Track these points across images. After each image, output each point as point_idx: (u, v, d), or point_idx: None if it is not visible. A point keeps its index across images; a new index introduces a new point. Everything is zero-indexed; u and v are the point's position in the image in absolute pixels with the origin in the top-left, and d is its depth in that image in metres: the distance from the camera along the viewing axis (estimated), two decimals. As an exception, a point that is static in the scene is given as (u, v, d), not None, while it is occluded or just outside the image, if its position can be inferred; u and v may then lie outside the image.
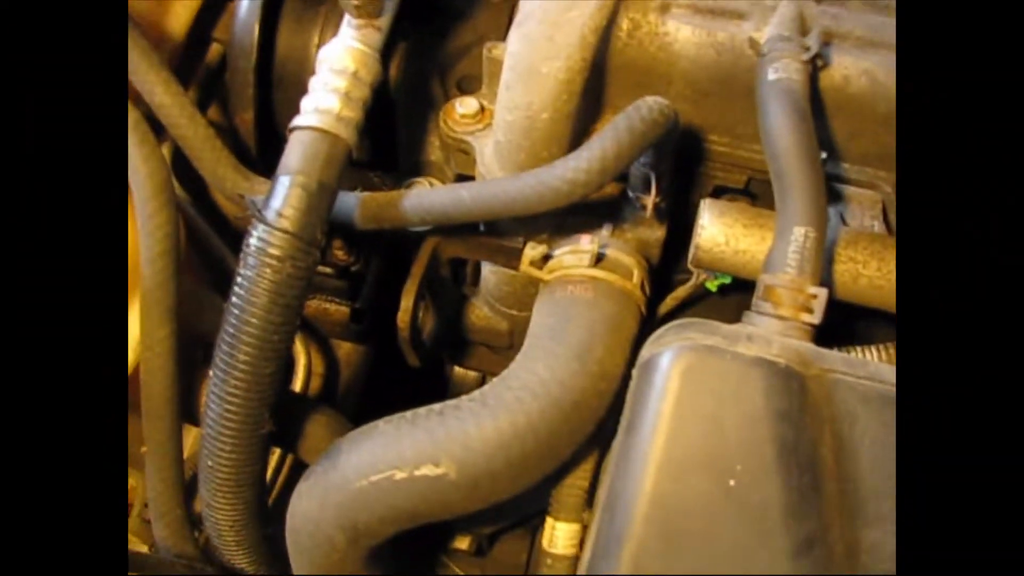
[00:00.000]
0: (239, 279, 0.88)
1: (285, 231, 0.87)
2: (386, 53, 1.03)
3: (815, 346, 0.78)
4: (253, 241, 0.88)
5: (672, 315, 1.05)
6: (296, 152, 0.91)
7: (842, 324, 0.91)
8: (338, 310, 1.32)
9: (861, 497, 0.73)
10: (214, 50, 1.29)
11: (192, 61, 1.27)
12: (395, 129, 1.22)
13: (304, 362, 1.38)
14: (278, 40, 1.18)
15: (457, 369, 1.40)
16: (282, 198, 0.88)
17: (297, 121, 0.92)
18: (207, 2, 1.27)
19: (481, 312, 1.20)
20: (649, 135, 0.86)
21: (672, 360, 0.74)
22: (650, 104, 0.87)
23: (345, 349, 1.46)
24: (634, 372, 0.79)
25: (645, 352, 0.78)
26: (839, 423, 0.74)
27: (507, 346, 1.20)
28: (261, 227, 0.88)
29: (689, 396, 0.73)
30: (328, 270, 1.24)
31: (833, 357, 0.77)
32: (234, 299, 0.88)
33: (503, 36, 1.12)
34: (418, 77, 1.20)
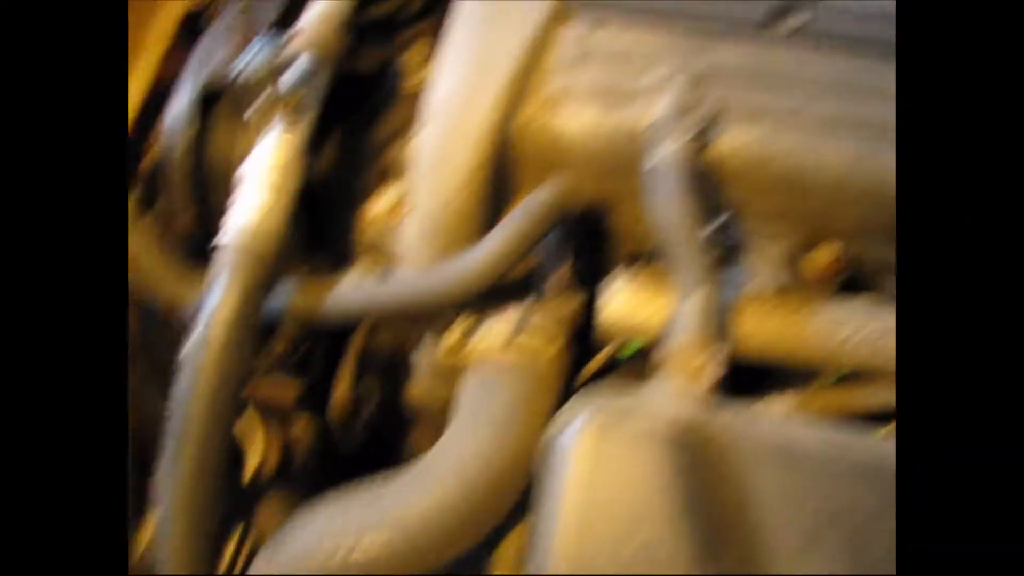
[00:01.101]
0: (179, 387, 0.94)
1: (220, 334, 0.94)
2: (313, 148, 1.11)
3: (710, 406, 0.85)
4: (190, 347, 0.94)
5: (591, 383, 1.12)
6: (226, 259, 0.98)
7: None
8: (287, 388, 1.38)
9: (765, 542, 0.80)
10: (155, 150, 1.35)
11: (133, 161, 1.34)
12: (327, 218, 1.28)
13: (261, 441, 1.43)
14: (208, 143, 1.24)
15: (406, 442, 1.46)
16: (215, 305, 0.95)
17: (225, 231, 0.99)
18: (146, 102, 1.34)
19: (420, 385, 1.26)
20: (547, 222, 0.94)
21: (574, 438, 0.81)
22: (545, 194, 0.94)
23: (298, 424, 1.51)
24: (540, 450, 0.86)
25: (549, 432, 0.84)
26: (736, 481, 0.81)
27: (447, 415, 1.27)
28: (198, 332, 0.94)
29: (590, 471, 0.80)
30: (272, 353, 1.30)
31: (727, 416, 0.84)
32: (176, 407, 0.95)
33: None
34: (345, 168, 1.27)
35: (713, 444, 0.81)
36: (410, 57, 1.34)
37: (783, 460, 0.82)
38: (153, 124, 1.36)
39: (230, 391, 0.95)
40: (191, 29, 1.48)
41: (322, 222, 1.26)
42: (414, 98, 1.30)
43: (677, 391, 0.86)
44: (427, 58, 1.32)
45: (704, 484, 0.79)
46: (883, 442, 0.86)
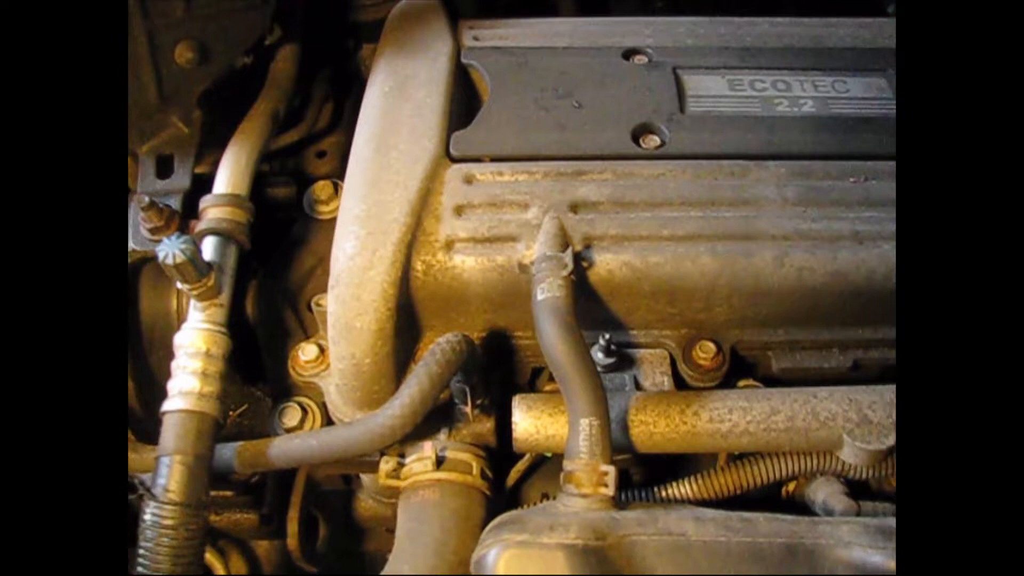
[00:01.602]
0: (142, 551, 1.05)
1: (174, 503, 1.05)
2: (240, 294, 1.24)
3: (613, 514, 0.97)
4: (148, 517, 1.05)
5: (519, 483, 1.24)
6: (170, 433, 1.09)
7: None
8: (248, 518, 1.48)
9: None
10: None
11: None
12: (263, 354, 1.39)
13: (223, 569, 1.54)
14: (141, 309, 1.35)
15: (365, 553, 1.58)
16: (166, 476, 1.06)
17: (166, 406, 1.10)
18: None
19: (367, 504, 1.38)
20: (448, 371, 1.06)
21: (494, 559, 0.93)
22: (443, 345, 1.06)
23: (263, 547, 1.62)
24: (472, 568, 0.97)
25: (475, 553, 0.96)
26: (641, 571, 0.93)
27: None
28: (152, 504, 1.05)
29: (513, 585, 0.91)
30: (230, 492, 1.41)
31: (628, 521, 0.96)
32: (141, 566, 1.05)
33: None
34: (272, 308, 1.37)
35: (617, 548, 0.93)
36: (320, 189, 1.46)
37: (678, 553, 0.94)
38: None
39: (194, 538, 1.06)
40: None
41: (257, 359, 1.37)
42: (327, 225, 1.42)
43: (582, 503, 0.98)
44: (332, 194, 1.44)
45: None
46: (766, 522, 0.98)
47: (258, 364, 1.38)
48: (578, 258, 1.09)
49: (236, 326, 1.22)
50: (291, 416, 1.29)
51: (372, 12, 1.65)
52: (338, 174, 1.53)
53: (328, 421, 1.27)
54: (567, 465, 1.00)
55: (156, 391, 1.36)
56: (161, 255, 1.09)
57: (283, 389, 1.33)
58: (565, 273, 1.07)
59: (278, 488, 1.48)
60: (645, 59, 1.37)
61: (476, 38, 1.41)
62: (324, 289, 1.29)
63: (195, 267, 1.11)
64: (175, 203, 1.31)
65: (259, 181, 1.39)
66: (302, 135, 1.60)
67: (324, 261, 1.38)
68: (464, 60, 1.37)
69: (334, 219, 1.37)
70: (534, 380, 1.25)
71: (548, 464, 1.26)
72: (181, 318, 1.33)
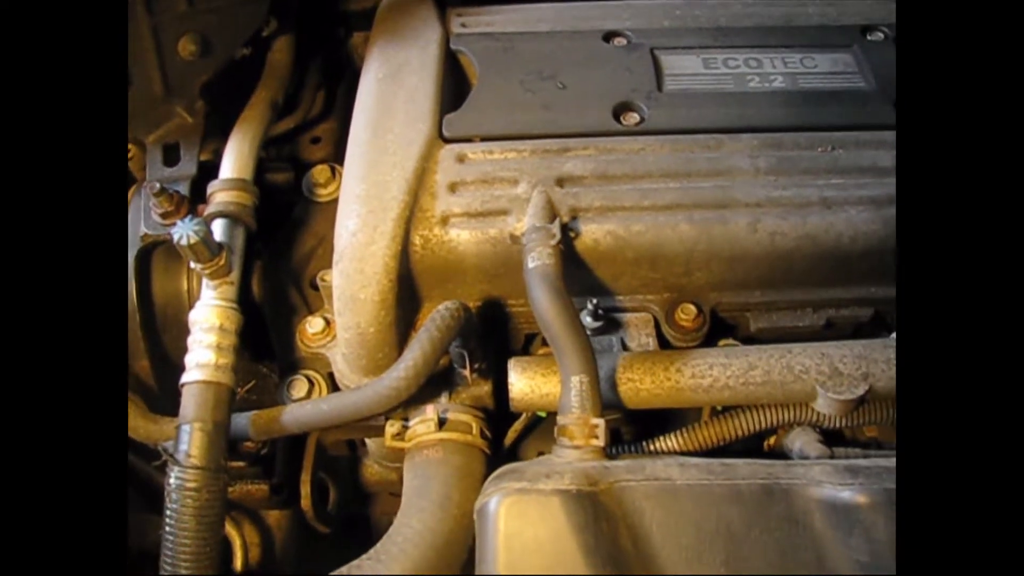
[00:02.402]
0: (168, 512, 1.13)
1: (196, 467, 1.13)
2: (246, 275, 1.31)
3: (604, 463, 1.05)
4: (172, 481, 1.13)
5: (516, 443, 1.32)
6: (189, 403, 1.17)
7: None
8: (259, 489, 1.56)
9: (658, 566, 0.99)
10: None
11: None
12: (269, 331, 1.46)
13: (239, 541, 1.62)
14: (154, 290, 1.42)
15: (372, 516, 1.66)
16: (187, 442, 1.14)
17: (185, 378, 1.18)
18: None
19: (373, 469, 1.46)
20: (447, 336, 1.14)
21: (495, 506, 1.01)
22: (443, 312, 1.14)
23: (274, 516, 1.70)
24: (475, 517, 1.05)
25: (478, 501, 1.04)
26: (630, 518, 1.01)
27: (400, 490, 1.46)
28: (176, 469, 1.13)
29: (511, 530, 0.99)
30: (241, 463, 1.48)
31: (618, 469, 1.04)
32: (167, 528, 1.13)
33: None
34: (276, 287, 1.44)
35: (608, 494, 1.01)
36: (318, 173, 1.53)
37: (665, 495, 1.02)
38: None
39: (216, 499, 1.14)
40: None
41: (264, 337, 1.45)
42: (326, 207, 1.49)
43: (575, 454, 1.06)
44: (330, 177, 1.51)
45: (601, 529, 0.99)
46: (745, 466, 1.06)
47: (264, 342, 1.45)
48: (565, 229, 1.17)
49: (243, 305, 1.29)
50: (299, 388, 1.36)
51: (362, 1, 1.72)
52: (333, 158, 1.62)
53: (334, 391, 1.35)
54: (560, 420, 1.08)
55: (170, 367, 1.44)
56: (176, 236, 1.16)
57: (290, 363, 1.40)
58: (554, 243, 1.14)
59: (287, 459, 1.56)
60: (624, 41, 1.44)
61: (464, 25, 1.48)
62: (325, 267, 1.37)
63: (207, 247, 1.19)
64: (183, 189, 1.38)
65: (258, 167, 1.46)
66: (298, 122, 1.67)
67: (324, 241, 1.46)
68: (453, 46, 1.44)
69: (332, 201, 1.46)
70: (527, 346, 1.33)
71: (542, 425, 1.34)
72: (191, 298, 1.41)
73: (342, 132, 1.62)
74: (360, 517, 1.73)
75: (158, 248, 1.42)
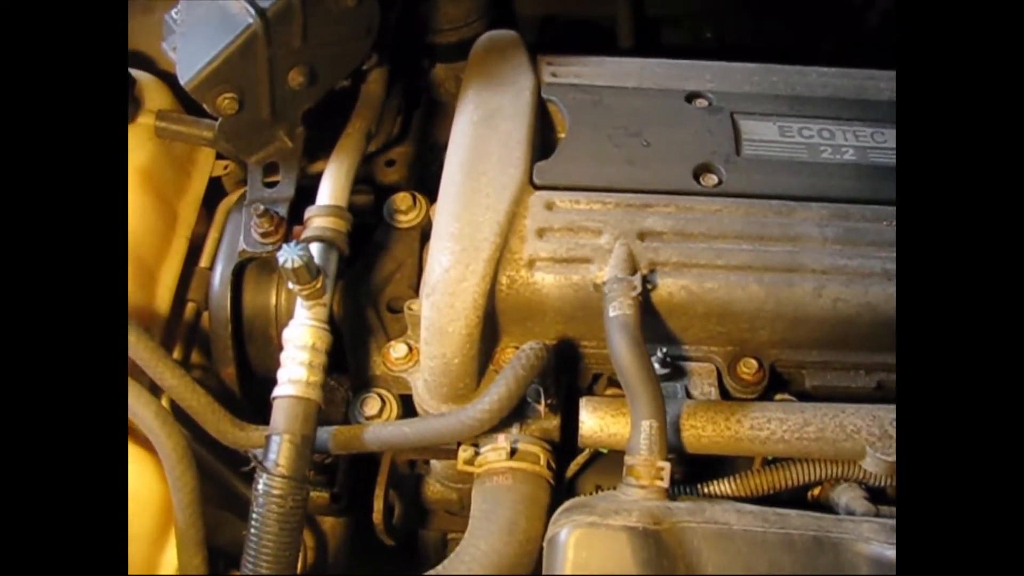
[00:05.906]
0: (254, 516, 1.21)
1: (283, 476, 1.22)
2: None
3: (667, 503, 1.13)
4: (260, 487, 1.22)
5: (577, 475, 1.40)
6: (280, 415, 1.25)
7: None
8: (320, 496, 1.64)
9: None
10: (189, 309, 1.62)
11: (173, 321, 1.61)
12: (347, 349, 1.54)
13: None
14: (244, 303, 1.51)
15: (424, 532, 1.73)
16: (276, 452, 1.23)
17: (277, 391, 1.27)
18: (182, 272, 1.62)
19: (435, 487, 1.55)
20: (531, 375, 1.22)
21: (566, 536, 1.09)
22: (528, 352, 1.22)
23: (330, 523, 1.78)
24: (544, 545, 1.13)
25: (549, 531, 1.12)
26: (689, 558, 1.09)
27: (459, 510, 1.54)
28: (265, 476, 1.22)
29: (580, 560, 1.07)
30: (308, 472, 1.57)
31: (680, 510, 1.12)
32: (252, 529, 1.21)
33: (416, 258, 1.51)
34: (356, 308, 1.52)
35: (671, 533, 1.09)
36: (400, 200, 1.61)
37: (722, 539, 1.10)
38: (188, 283, 1.63)
39: (299, 508, 1.23)
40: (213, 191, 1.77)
41: (343, 352, 1.52)
42: (406, 233, 1.57)
43: (641, 493, 1.14)
44: (411, 205, 1.59)
45: (663, 566, 1.07)
46: (798, 517, 1.14)
47: (338, 357, 1.53)
48: (644, 281, 1.25)
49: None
50: (371, 405, 1.44)
51: (449, 35, 1.81)
52: (406, 181, 1.71)
53: (405, 412, 1.43)
54: (628, 460, 1.16)
55: (254, 377, 1.53)
56: (282, 260, 1.24)
57: (363, 381, 1.48)
58: (634, 294, 1.22)
59: (347, 470, 1.64)
60: (706, 103, 1.51)
61: (554, 74, 1.56)
62: (402, 292, 1.47)
63: (308, 271, 1.27)
64: (282, 210, 1.47)
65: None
66: (379, 146, 1.75)
67: (402, 266, 1.54)
68: (544, 95, 1.52)
69: (412, 228, 1.55)
70: (592, 384, 1.41)
71: (599, 461, 1.42)
72: (279, 313, 1.50)
73: (415, 156, 1.73)
74: (417, 531, 1.81)
75: (251, 263, 1.50)
